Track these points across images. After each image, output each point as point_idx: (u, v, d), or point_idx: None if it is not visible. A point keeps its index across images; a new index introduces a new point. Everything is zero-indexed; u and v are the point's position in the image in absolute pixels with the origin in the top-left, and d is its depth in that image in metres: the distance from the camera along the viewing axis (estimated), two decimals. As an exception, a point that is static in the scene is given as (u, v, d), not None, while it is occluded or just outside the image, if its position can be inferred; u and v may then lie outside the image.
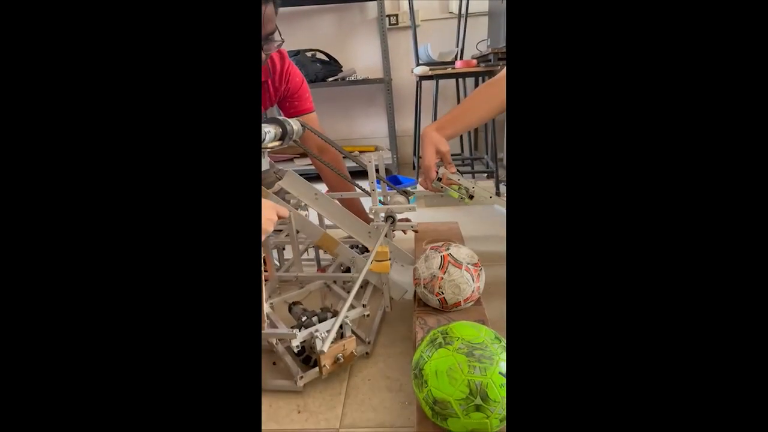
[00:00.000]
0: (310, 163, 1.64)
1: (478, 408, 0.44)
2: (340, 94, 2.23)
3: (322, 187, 1.02)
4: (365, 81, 2.04)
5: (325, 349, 0.58)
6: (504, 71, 0.91)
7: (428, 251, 0.71)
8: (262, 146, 0.67)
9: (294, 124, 0.73)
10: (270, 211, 0.55)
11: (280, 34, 0.84)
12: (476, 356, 0.46)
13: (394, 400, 0.65)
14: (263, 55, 0.85)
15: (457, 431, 0.46)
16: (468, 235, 1.09)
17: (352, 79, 2.03)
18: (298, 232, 0.84)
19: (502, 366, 0.46)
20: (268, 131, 0.67)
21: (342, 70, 2.05)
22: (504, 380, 0.45)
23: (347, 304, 0.64)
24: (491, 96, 0.81)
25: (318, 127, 1.03)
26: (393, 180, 1.86)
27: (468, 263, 0.68)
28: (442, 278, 0.66)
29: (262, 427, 0.64)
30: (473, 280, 0.67)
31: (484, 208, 1.43)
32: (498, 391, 0.44)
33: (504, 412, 0.45)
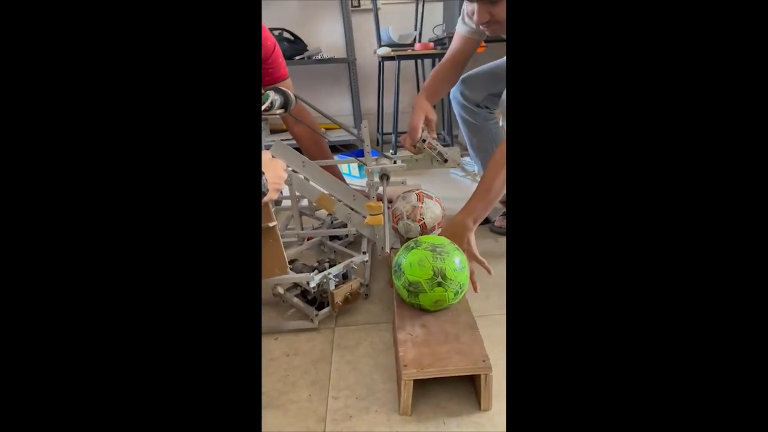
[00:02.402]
0: (286, 139, 1.73)
1: (439, 284, 0.64)
2: (306, 73, 2.33)
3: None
4: (330, 60, 2.16)
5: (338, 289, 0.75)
6: (444, 59, 1.09)
7: (402, 194, 0.92)
8: (271, 113, 0.81)
9: (290, 94, 0.87)
10: (281, 170, 0.58)
11: None
12: (438, 251, 0.66)
13: (376, 310, 0.84)
14: None
15: (425, 303, 0.66)
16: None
17: (318, 58, 2.14)
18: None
19: (456, 259, 0.66)
20: (276, 99, 0.80)
21: (308, 49, 2.16)
22: (456, 266, 0.65)
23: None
24: (443, 78, 1.05)
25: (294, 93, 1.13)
26: (359, 153, 2.01)
27: (434, 196, 0.91)
28: (422, 207, 0.89)
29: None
30: (441, 208, 0.92)
31: (441, 174, 1.65)
32: (452, 274, 0.65)
33: (458, 288, 0.65)
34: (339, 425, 0.59)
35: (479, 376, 0.57)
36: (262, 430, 0.58)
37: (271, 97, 0.78)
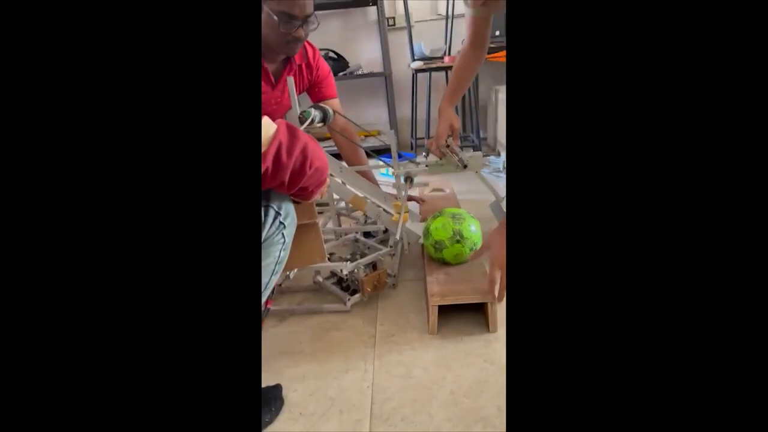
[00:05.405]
0: (328, 146, 1.98)
1: (458, 242, 0.86)
2: (348, 86, 2.61)
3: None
4: (369, 75, 2.43)
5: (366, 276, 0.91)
6: (463, 46, 1.15)
7: None
8: (312, 126, 1.01)
9: (329, 109, 1.02)
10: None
11: (316, 18, 0.98)
12: (456, 218, 0.88)
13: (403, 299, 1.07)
14: (302, 33, 0.99)
15: (448, 257, 0.89)
16: (460, 196, 1.51)
17: (359, 73, 2.42)
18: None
19: (471, 225, 0.88)
20: (316, 115, 1.01)
21: (349, 66, 2.44)
22: (471, 230, 0.87)
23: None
24: (466, 66, 1.15)
25: (341, 111, 1.25)
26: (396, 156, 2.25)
27: None
28: None
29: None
30: None
31: (469, 174, 1.85)
32: (468, 234, 0.87)
33: (472, 245, 0.87)
34: (385, 339, 0.82)
35: (487, 304, 0.78)
36: (330, 344, 0.82)
37: (313, 113, 1.00)
